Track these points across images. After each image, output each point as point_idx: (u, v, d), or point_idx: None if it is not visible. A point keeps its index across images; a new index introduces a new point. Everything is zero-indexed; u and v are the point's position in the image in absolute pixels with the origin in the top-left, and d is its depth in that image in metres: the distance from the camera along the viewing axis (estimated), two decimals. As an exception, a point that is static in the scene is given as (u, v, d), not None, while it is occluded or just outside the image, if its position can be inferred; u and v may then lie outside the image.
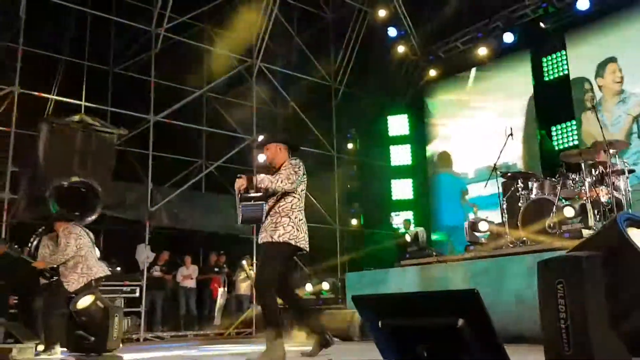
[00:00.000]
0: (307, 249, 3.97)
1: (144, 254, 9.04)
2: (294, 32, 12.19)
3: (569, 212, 5.82)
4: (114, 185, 9.08)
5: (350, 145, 13.10)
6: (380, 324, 2.26)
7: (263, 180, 3.76)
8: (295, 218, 3.89)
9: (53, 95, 9.57)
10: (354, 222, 12.74)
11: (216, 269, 10.32)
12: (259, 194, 3.76)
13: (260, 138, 4.41)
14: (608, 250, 1.72)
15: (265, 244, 3.86)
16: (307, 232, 3.98)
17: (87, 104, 9.63)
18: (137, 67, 10.91)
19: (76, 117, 8.69)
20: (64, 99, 9.37)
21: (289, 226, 3.83)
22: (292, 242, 3.81)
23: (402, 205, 12.43)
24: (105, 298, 4.87)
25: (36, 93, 8.72)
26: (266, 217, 3.86)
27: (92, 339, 4.38)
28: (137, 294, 8.42)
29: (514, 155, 9.97)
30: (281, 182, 3.78)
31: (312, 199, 11.57)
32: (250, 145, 10.69)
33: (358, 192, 13.01)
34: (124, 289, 8.29)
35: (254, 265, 10.09)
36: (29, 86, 8.37)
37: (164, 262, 9.73)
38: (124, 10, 10.66)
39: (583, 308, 1.85)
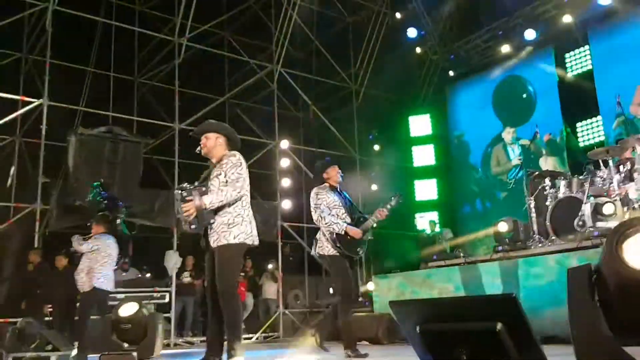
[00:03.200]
0: (257, 243, 3.83)
1: (173, 260, 9.17)
2: (314, 36, 12.26)
3: (608, 209, 5.72)
4: (142, 193, 9.23)
5: (373, 147, 13.09)
6: (418, 329, 2.28)
7: (212, 203, 3.60)
8: (247, 216, 3.74)
9: (81, 106, 9.79)
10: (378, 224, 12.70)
11: (242, 274, 10.41)
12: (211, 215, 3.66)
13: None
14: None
15: (221, 247, 3.64)
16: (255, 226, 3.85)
17: (114, 114, 9.82)
18: (161, 76, 11.10)
19: (104, 128, 8.88)
20: (92, 110, 9.58)
21: (242, 225, 3.69)
22: (248, 241, 3.70)
23: (426, 206, 12.36)
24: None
25: (65, 105, 8.94)
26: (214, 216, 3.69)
27: (125, 345, 4.48)
28: (167, 300, 8.56)
29: (540, 153, 9.88)
30: (231, 193, 3.63)
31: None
32: (273, 149, 10.78)
33: (381, 193, 12.97)
34: (154, 295, 8.42)
35: (279, 269, 10.19)
36: (57, 98, 8.59)
37: (192, 266, 9.84)
38: (147, 21, 10.88)
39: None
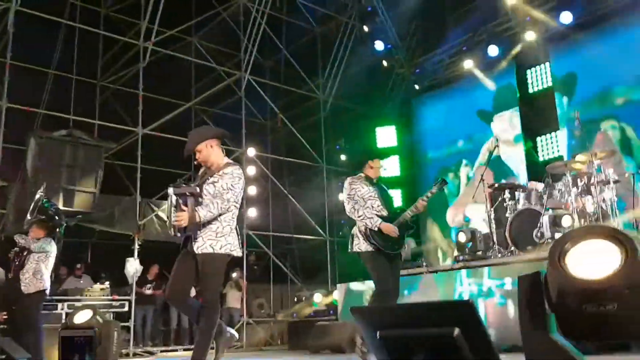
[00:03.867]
0: (240, 255, 3.83)
1: (133, 268, 8.99)
2: (282, 45, 12.31)
3: (566, 221, 5.92)
4: (103, 199, 9.04)
5: (339, 157, 13.17)
6: (378, 334, 2.30)
7: (205, 217, 3.55)
8: (235, 227, 3.74)
9: (41, 109, 9.53)
10: (344, 232, 12.77)
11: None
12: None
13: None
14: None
15: (206, 255, 3.58)
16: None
17: (75, 117, 9.60)
18: (125, 80, 10.93)
19: (64, 131, 8.67)
20: (53, 113, 9.34)
21: (230, 236, 3.66)
22: (233, 253, 3.68)
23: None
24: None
25: (24, 107, 8.69)
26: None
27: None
28: (126, 309, 8.37)
29: (501, 165, 10.13)
30: (221, 207, 3.59)
31: (302, 210, 11.64)
32: (239, 157, 10.72)
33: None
34: (113, 303, 8.23)
35: (243, 277, 10.10)
36: (17, 100, 8.35)
37: (154, 276, 9.66)
38: (112, 24, 10.71)
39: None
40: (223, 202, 3.58)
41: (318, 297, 8.93)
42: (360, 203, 4.41)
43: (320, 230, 11.74)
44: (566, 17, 9.38)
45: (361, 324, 2.44)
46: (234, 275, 10.09)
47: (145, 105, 9.76)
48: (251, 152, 10.96)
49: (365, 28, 11.77)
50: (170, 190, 3.57)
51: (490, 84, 10.70)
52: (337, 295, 8.02)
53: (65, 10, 10.26)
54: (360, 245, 4.42)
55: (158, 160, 11.05)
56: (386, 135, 12.94)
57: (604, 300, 1.61)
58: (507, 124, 10.47)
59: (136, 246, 8.91)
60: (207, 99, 11.50)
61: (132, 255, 8.95)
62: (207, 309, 3.56)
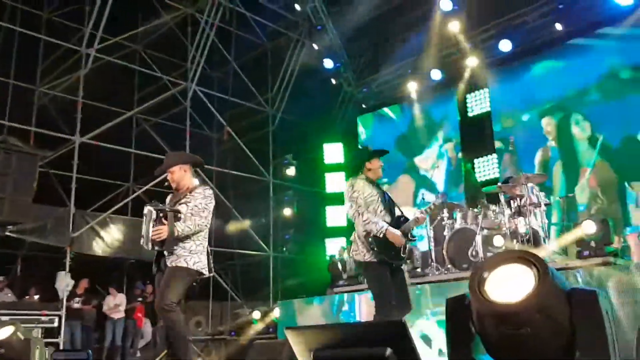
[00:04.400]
0: (210, 274, 3.97)
1: (64, 282, 8.58)
2: (232, 57, 12.25)
3: (498, 241, 6.14)
4: (35, 209, 8.61)
5: (286, 171, 13.16)
6: (312, 355, 2.29)
7: (184, 231, 3.71)
8: (206, 247, 3.90)
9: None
10: (288, 248, 12.73)
11: (140, 299, 9.94)
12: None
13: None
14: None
15: (177, 267, 3.71)
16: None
17: (10, 123, 9.14)
18: (65, 87, 10.52)
19: (-3, 137, 8.24)
20: (-15, 118, 8.87)
21: (202, 254, 3.83)
22: (204, 271, 3.82)
23: (336, 232, 12.56)
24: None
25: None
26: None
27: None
28: (56, 324, 7.97)
29: (442, 185, 10.44)
30: (199, 223, 3.78)
31: (246, 224, 11.52)
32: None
33: (293, 218, 13.04)
34: (42, 318, 7.82)
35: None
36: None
37: (83, 290, 9.25)
38: (54, 29, 10.33)
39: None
40: (200, 219, 3.77)
41: (257, 315, 8.82)
42: (365, 207, 4.03)
43: (264, 246, 11.65)
44: (505, 45, 9.85)
45: (295, 344, 2.43)
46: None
47: (84, 113, 9.45)
48: (194, 164, 10.75)
49: (315, 46, 11.91)
50: (149, 208, 3.74)
51: (432, 107, 11.07)
52: (278, 313, 7.95)
53: (5, 13, 9.83)
54: (360, 253, 4.05)
55: (95, 170, 10.69)
56: (333, 152, 13.08)
57: (518, 324, 1.69)
58: (450, 146, 10.82)
59: (68, 259, 8.52)
60: (151, 108, 11.24)
61: (64, 269, 8.55)
62: (164, 316, 3.64)
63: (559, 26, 9.27)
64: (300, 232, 12.96)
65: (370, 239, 3.95)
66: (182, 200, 3.85)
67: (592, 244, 5.65)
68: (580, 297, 1.73)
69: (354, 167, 4.36)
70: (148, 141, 11.68)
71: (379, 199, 4.10)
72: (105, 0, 9.28)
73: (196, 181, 4.05)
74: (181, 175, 3.95)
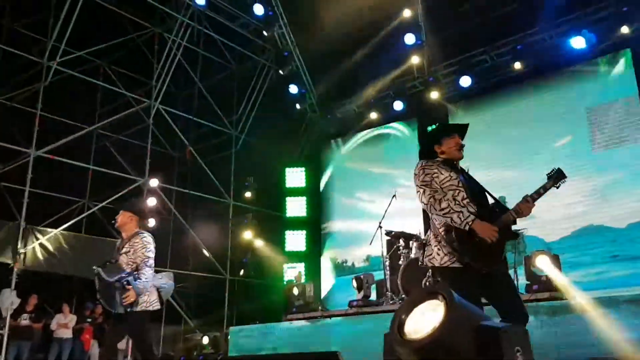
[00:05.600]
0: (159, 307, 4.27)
1: (9, 300, 8.24)
2: (198, 78, 12.24)
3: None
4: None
5: (247, 194, 13.10)
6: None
7: (145, 285, 4.08)
8: (152, 286, 4.19)
9: None
10: (246, 272, 12.58)
11: (89, 320, 9.61)
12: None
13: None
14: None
15: (131, 313, 4.05)
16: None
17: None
18: (24, 98, 10.27)
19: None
20: None
21: (153, 293, 4.20)
22: (149, 309, 4.14)
23: (295, 257, 12.51)
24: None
25: None
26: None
27: None
28: (-2, 344, 7.63)
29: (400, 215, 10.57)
30: (150, 274, 4.15)
31: (202, 246, 11.36)
32: (140, 187, 10.35)
33: (252, 241, 12.93)
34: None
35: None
36: None
37: (33, 307, 8.89)
38: (16, 39, 10.12)
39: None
40: (149, 268, 4.13)
41: (206, 340, 8.64)
42: (441, 193, 3.10)
43: (220, 269, 11.50)
44: (465, 81, 10.19)
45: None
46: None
47: (42, 126, 9.22)
48: (153, 182, 10.61)
49: (281, 72, 12.05)
50: (108, 277, 4.00)
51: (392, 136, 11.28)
52: (229, 338, 7.82)
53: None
54: (435, 256, 3.07)
55: (51, 185, 10.39)
56: (295, 176, 13.11)
57: (430, 355, 1.73)
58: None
59: (14, 276, 8.20)
60: (113, 125, 11.08)
61: (9, 286, 8.21)
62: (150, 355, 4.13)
63: (518, 65, 9.65)
64: (259, 256, 12.85)
65: (452, 237, 2.96)
66: (123, 251, 4.22)
67: (543, 278, 5.78)
68: (485, 334, 1.75)
69: (425, 153, 3.34)
70: (108, 158, 11.48)
71: (460, 184, 3.13)
72: (71, 12, 9.19)
73: (137, 229, 4.35)
74: (125, 220, 4.32)
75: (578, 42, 8.90)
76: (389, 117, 11.25)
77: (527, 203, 3.07)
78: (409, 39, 10.42)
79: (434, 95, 10.53)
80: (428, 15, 10.36)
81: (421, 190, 3.13)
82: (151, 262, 4.18)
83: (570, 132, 9.09)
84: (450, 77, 10.62)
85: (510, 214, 3.07)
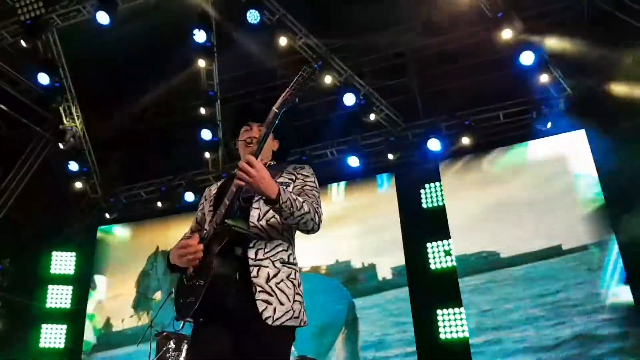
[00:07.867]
0: None
1: None
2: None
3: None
4: None
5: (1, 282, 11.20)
6: None
7: None
8: None
9: None
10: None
11: None
12: None
13: None
14: None
15: None
16: None
17: None
18: None
19: None
20: None
21: None
22: None
23: (50, 354, 10.90)
24: None
25: None
26: None
27: None
28: None
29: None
30: None
31: None
32: None
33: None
34: None
35: None
36: None
37: None
38: None
39: None
40: None
41: None
42: None
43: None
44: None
45: None
46: None
47: None
48: None
49: (61, 145, 11.02)
50: None
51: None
52: None
53: None
54: None
55: None
56: (63, 261, 11.75)
57: None
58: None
59: None
60: None
61: None
62: None
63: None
64: (5, 353, 10.87)
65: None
66: None
67: None
68: None
69: None
70: None
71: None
72: None
73: None
74: None
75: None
76: (180, 207, 11.03)
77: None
78: (206, 134, 10.49)
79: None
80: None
81: None
82: None
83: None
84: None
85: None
